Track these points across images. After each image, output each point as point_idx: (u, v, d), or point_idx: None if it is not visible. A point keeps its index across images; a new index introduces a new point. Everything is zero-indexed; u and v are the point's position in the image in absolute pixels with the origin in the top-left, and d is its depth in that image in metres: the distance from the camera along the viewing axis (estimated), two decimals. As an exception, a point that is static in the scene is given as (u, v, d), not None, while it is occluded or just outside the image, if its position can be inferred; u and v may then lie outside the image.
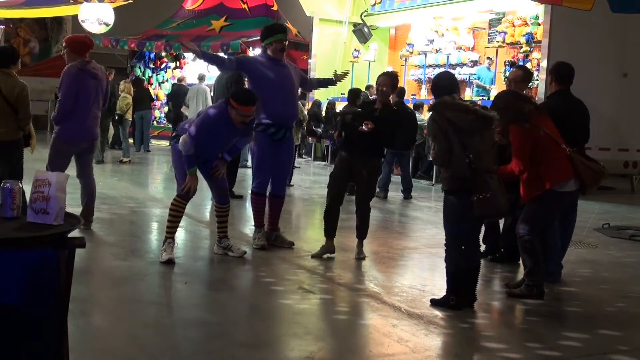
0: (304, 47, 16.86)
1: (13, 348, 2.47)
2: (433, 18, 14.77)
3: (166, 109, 17.90)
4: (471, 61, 14.08)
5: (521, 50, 12.99)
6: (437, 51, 14.85)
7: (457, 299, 4.45)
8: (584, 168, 4.82)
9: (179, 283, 4.91)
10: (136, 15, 19.40)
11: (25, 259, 2.44)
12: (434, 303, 4.53)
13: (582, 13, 8.02)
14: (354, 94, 10.21)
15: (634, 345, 4.07)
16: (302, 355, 3.55)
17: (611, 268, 6.14)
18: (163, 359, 3.51)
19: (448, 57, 14.40)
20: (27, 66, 21.47)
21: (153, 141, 16.93)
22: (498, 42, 13.43)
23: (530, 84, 9.92)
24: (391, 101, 5.96)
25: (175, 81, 18.24)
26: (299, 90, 6.44)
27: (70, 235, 2.61)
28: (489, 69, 13.55)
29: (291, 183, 10.53)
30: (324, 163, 14.87)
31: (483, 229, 5.54)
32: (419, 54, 15.29)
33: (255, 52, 14.73)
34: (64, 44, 6.45)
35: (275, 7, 18.43)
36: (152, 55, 19.73)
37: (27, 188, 2.81)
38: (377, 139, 5.64)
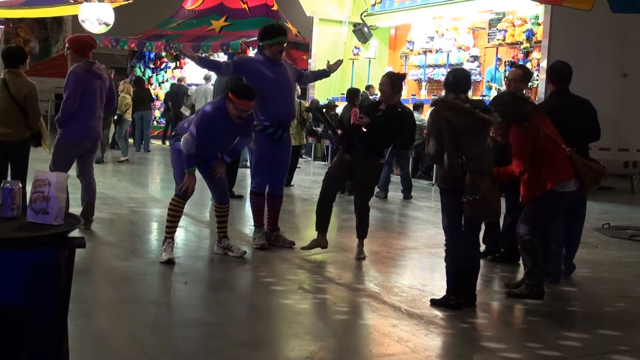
0: (304, 47, 16.86)
1: (13, 348, 2.47)
2: (433, 18, 14.76)
3: (163, 108, 17.93)
4: (471, 56, 14.06)
5: (522, 47, 12.97)
6: (437, 51, 14.84)
7: (457, 299, 4.45)
8: (584, 168, 4.82)
9: (179, 283, 4.91)
10: (136, 15, 19.39)
11: (25, 259, 2.44)
12: (434, 303, 4.53)
13: (582, 13, 8.01)
14: (352, 93, 10.23)
15: (634, 345, 4.07)
16: (302, 355, 3.55)
17: (611, 268, 6.14)
18: (163, 359, 3.51)
19: (448, 54, 14.38)
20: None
21: (153, 141, 16.94)
22: (498, 39, 13.42)
23: (530, 83, 9.92)
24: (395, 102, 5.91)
25: (174, 81, 18.27)
26: (298, 87, 6.42)
27: (70, 235, 2.61)
28: (497, 69, 13.54)
29: (291, 183, 10.54)
30: (324, 163, 14.87)
31: (483, 228, 5.54)
32: (419, 53, 15.29)
33: (255, 52, 14.72)
34: (66, 45, 6.44)
35: (275, 7, 18.42)
36: (152, 55, 19.74)
37: (29, 188, 2.81)
38: (376, 138, 5.64)
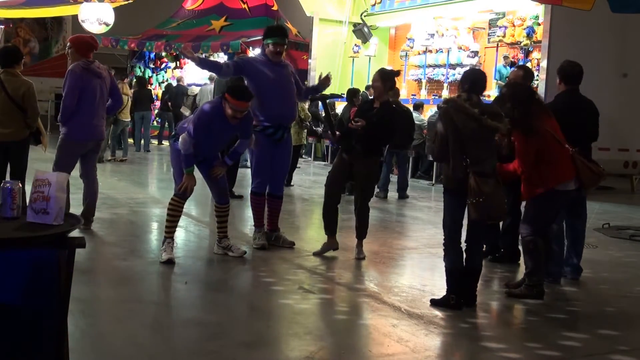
0: (304, 47, 16.86)
1: (13, 348, 2.47)
2: (433, 18, 14.76)
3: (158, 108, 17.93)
4: (472, 52, 14.05)
5: (522, 44, 12.97)
6: (437, 51, 14.84)
7: (457, 298, 4.45)
8: (584, 168, 4.83)
9: (179, 283, 4.91)
10: (136, 15, 19.39)
11: (25, 259, 2.44)
12: (434, 303, 4.53)
13: (582, 13, 8.01)
14: (351, 93, 10.25)
15: (634, 345, 4.07)
16: (302, 355, 3.55)
17: (611, 268, 6.14)
18: (163, 359, 3.51)
19: (448, 53, 14.37)
20: (27, 66, 21.45)
21: (153, 141, 16.94)
22: (498, 36, 13.42)
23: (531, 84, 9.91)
24: (390, 99, 5.91)
25: (171, 81, 18.24)
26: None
27: (70, 235, 2.61)
28: (504, 66, 13.52)
29: (291, 183, 10.54)
30: (324, 163, 14.87)
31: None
32: (419, 53, 15.28)
33: (255, 52, 14.73)
34: (68, 44, 6.45)
35: (275, 7, 18.42)
36: (152, 55, 19.74)
37: (29, 188, 2.81)
38: (374, 137, 5.63)
